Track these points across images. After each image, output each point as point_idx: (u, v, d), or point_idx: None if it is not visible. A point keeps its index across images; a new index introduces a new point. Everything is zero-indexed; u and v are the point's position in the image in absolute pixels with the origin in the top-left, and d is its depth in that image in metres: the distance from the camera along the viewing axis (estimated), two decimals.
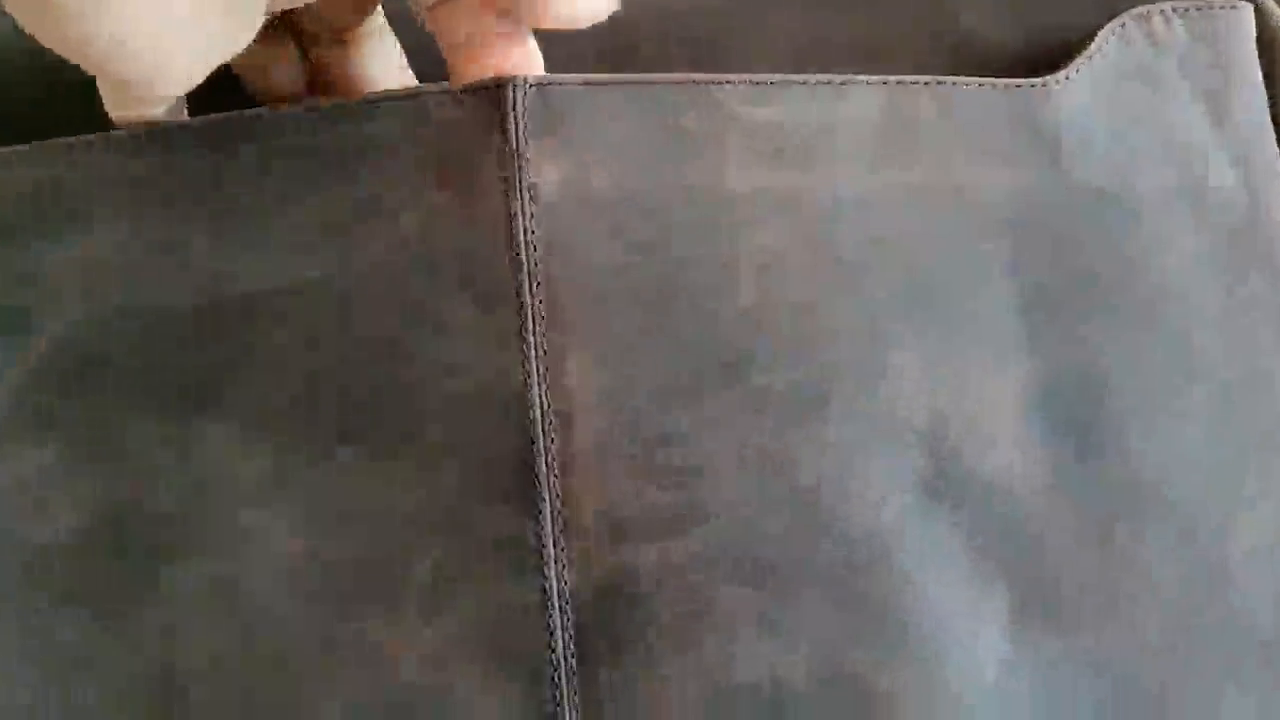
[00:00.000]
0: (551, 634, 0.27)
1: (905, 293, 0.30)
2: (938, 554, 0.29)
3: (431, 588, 0.27)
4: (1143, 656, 0.30)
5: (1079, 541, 0.30)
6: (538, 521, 0.28)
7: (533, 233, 0.28)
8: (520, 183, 0.28)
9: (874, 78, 0.30)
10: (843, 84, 0.30)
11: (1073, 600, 0.30)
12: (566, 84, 0.29)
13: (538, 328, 0.28)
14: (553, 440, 0.28)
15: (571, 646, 0.27)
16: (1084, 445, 0.30)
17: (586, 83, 0.29)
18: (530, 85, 0.28)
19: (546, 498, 0.28)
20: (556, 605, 0.27)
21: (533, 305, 0.28)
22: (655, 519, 0.28)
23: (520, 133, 0.28)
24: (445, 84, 0.29)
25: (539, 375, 0.28)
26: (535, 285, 0.28)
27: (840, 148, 0.30)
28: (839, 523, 0.29)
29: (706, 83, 0.29)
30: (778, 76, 0.29)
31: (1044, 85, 0.32)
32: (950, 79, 0.31)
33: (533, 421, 0.28)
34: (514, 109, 0.28)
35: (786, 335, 0.29)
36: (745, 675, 0.28)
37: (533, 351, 0.28)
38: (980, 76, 0.31)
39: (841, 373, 0.29)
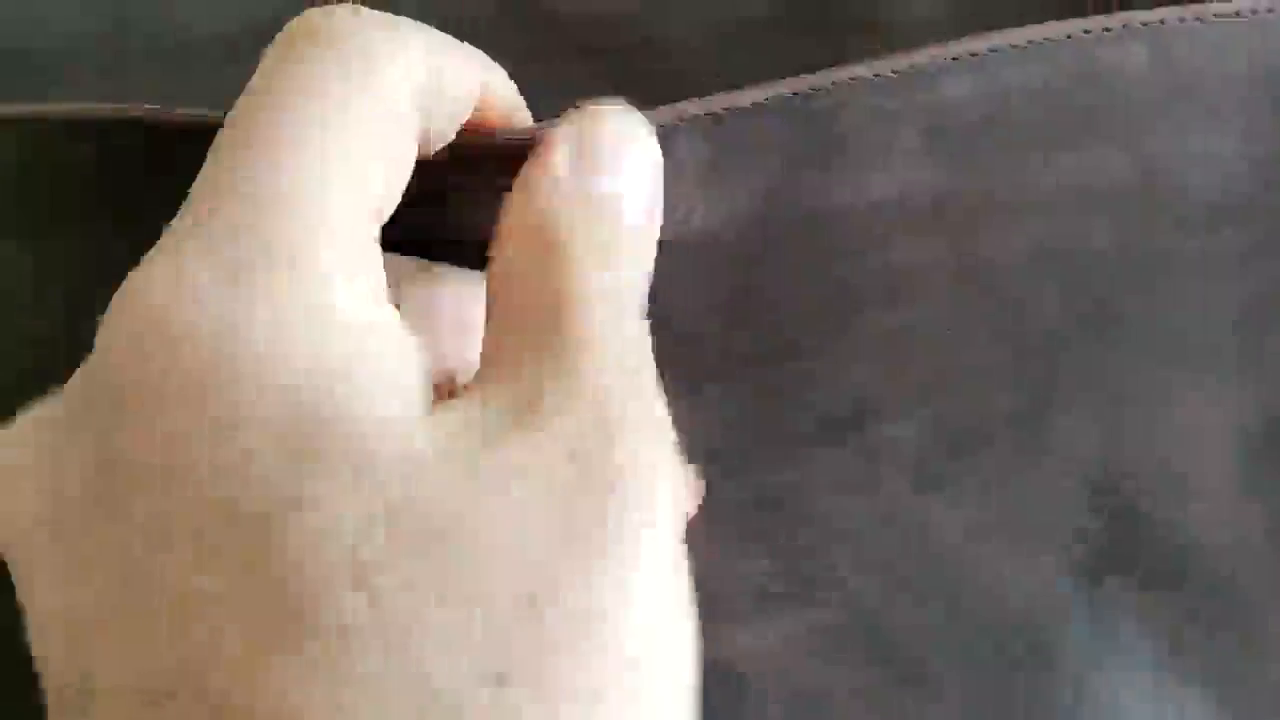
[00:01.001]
0: None
1: (1079, 311, 0.24)
2: (1115, 643, 0.24)
3: None
4: None
5: None
6: None
7: None
8: None
9: (1064, 26, 0.22)
10: (1025, 47, 0.22)
11: None
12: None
13: None
14: None
15: None
16: None
17: (676, 117, 0.22)
18: None
19: None
20: None
21: None
22: (754, 594, 0.23)
23: None
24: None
25: None
26: None
27: (1003, 131, 0.23)
28: (984, 604, 0.23)
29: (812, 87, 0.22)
30: (923, 54, 0.22)
31: None
32: (1174, 13, 0.23)
33: None
34: None
35: (919, 374, 0.24)
36: None
37: None
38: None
39: (989, 420, 0.24)
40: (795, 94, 0.21)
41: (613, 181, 0.18)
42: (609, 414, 0.16)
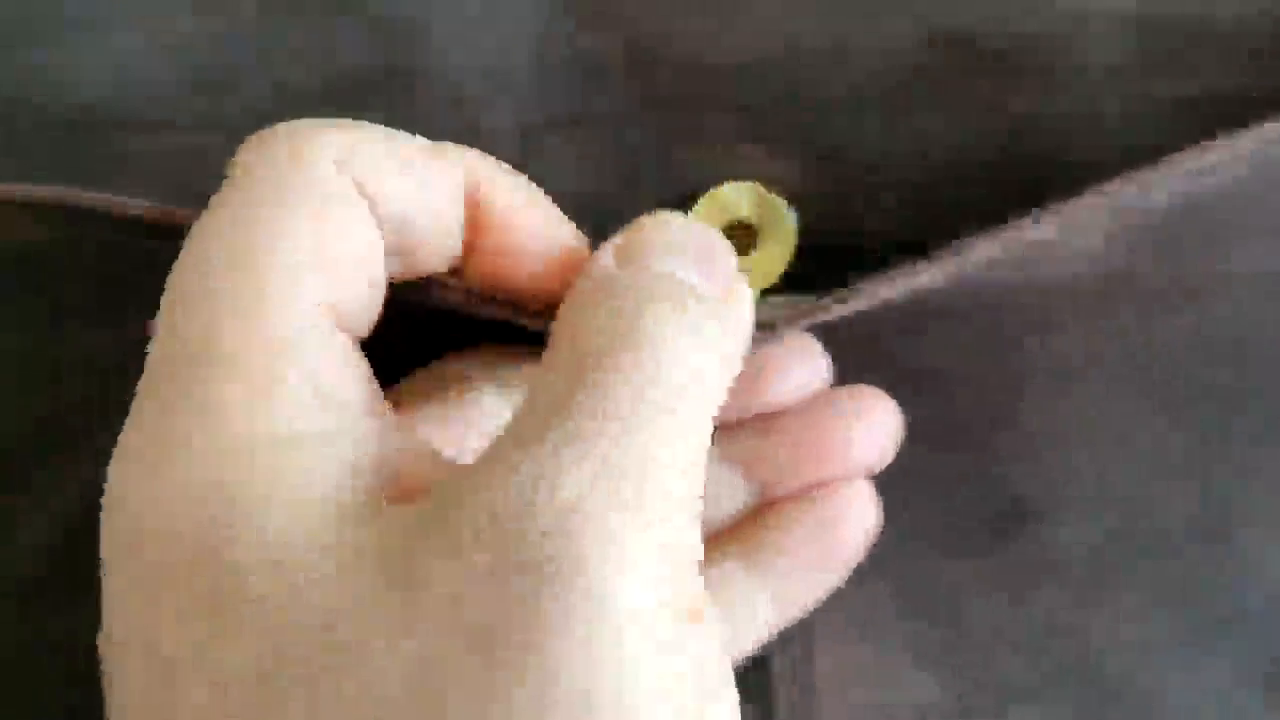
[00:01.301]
0: None
1: (1269, 406, 0.22)
2: None
3: None
4: None
5: None
6: (769, 706, 0.23)
7: None
8: None
9: (1260, 133, 0.20)
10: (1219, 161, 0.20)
11: None
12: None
13: None
14: None
15: None
16: None
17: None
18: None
19: (780, 679, 0.23)
20: None
21: None
22: (910, 703, 0.23)
23: None
24: None
25: None
26: None
27: (1189, 218, 0.21)
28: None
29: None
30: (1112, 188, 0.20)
31: None
32: None
33: None
34: None
35: (1089, 473, 0.22)
36: None
37: None
38: None
39: (1165, 525, 0.22)
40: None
41: (661, 261, 0.17)
42: (545, 511, 0.14)
